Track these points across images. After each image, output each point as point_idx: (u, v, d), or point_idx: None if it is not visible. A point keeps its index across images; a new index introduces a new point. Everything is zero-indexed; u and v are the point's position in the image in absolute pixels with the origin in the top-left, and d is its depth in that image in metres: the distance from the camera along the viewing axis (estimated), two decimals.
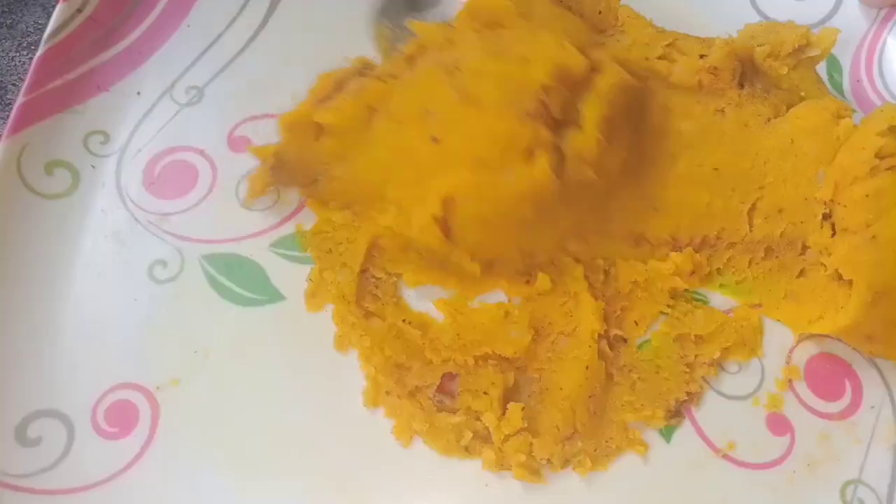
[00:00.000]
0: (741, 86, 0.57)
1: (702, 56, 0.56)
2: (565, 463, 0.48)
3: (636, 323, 0.54)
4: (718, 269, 0.56)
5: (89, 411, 0.48)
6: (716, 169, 0.55)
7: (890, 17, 0.64)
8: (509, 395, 0.50)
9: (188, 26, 0.62)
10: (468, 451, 0.48)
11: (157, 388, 0.50)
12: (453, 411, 0.48)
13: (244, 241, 0.54)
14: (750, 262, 0.56)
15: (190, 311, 0.52)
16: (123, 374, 0.50)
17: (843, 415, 0.52)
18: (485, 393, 0.49)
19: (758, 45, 0.57)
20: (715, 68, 0.55)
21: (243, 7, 0.63)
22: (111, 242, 0.54)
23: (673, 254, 0.55)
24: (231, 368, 0.51)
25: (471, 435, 0.48)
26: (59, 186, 0.55)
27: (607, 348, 0.52)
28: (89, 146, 0.57)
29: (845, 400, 0.52)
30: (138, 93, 0.59)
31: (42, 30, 0.57)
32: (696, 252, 0.55)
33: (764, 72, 0.58)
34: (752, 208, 0.55)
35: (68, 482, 0.47)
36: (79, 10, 0.57)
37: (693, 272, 0.55)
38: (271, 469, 0.48)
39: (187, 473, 0.48)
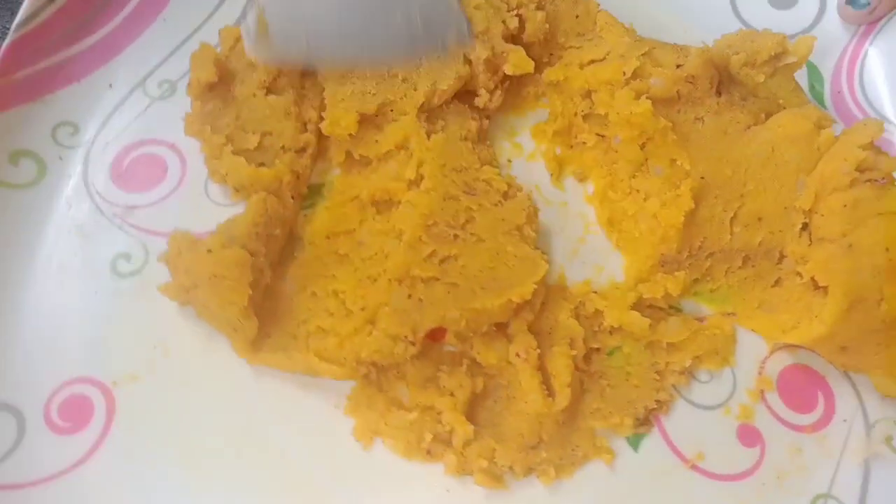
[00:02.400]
0: (719, 94, 0.56)
1: (678, 66, 0.55)
2: (528, 471, 0.47)
3: (610, 333, 0.53)
4: (696, 278, 0.55)
5: (42, 405, 0.47)
6: (702, 178, 0.54)
7: (871, 29, 0.63)
8: (476, 400, 0.49)
9: (164, 20, 0.62)
10: (430, 454, 0.47)
11: (114, 383, 0.49)
12: (409, 409, 0.47)
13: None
14: (727, 271, 0.55)
15: (152, 305, 0.51)
16: (80, 369, 0.49)
17: (815, 427, 0.51)
18: (451, 394, 0.47)
19: (734, 54, 0.57)
20: (692, 77, 0.55)
21: (220, 3, 0.63)
22: (75, 235, 0.53)
23: (661, 276, 0.54)
24: (191, 365, 0.50)
25: (430, 436, 0.47)
26: (25, 176, 0.54)
27: (581, 361, 0.51)
28: (57, 137, 0.56)
29: (817, 412, 0.51)
30: (110, 85, 0.59)
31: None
32: (680, 265, 0.54)
33: (741, 80, 0.58)
34: (734, 217, 0.55)
35: (16, 477, 0.45)
36: (51, 1, 0.57)
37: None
38: (228, 469, 0.47)
39: (141, 471, 0.47)
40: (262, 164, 0.53)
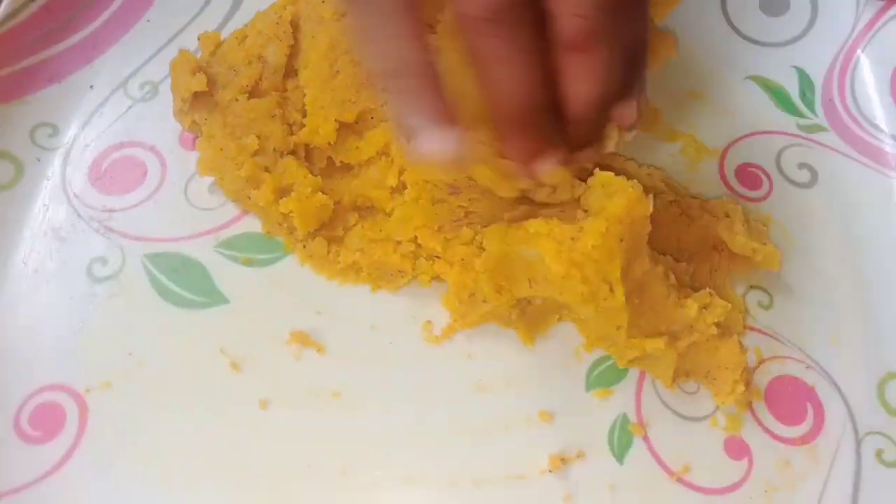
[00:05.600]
0: None
1: None
2: None
3: None
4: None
5: (12, 414, 0.46)
6: None
7: (863, 36, 0.63)
8: None
9: (148, 21, 0.61)
10: None
11: (87, 390, 0.47)
12: None
13: (189, 240, 0.52)
14: None
15: (127, 311, 0.50)
16: (52, 375, 0.48)
17: (804, 440, 0.50)
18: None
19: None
20: None
21: (206, 4, 0.62)
22: (51, 238, 0.52)
23: None
24: (167, 373, 0.48)
25: None
26: (1, 178, 0.53)
27: None
28: (36, 138, 0.55)
29: (806, 424, 0.50)
30: (91, 86, 0.58)
31: None
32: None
33: None
34: None
35: None
36: None
37: None
38: (203, 480, 0.46)
39: (113, 481, 0.46)
40: (265, 169, 0.52)
